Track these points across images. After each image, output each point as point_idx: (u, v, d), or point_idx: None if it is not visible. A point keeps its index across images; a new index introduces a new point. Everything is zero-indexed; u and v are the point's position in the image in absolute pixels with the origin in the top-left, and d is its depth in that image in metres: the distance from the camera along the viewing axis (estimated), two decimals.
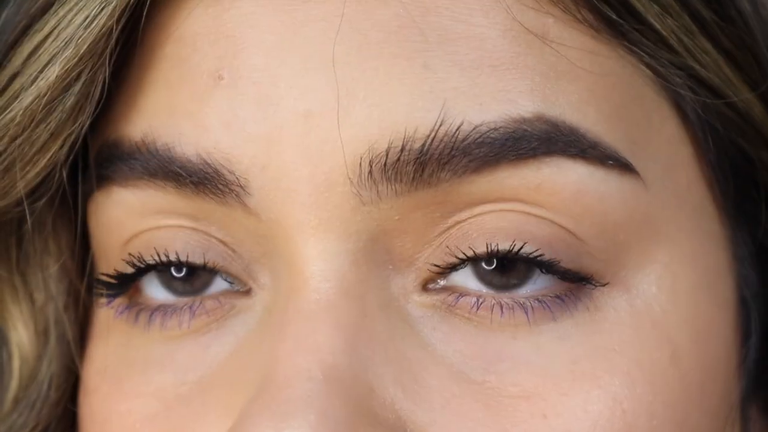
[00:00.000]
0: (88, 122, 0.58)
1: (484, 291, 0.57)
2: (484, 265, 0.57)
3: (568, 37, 0.57)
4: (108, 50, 0.57)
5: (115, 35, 0.57)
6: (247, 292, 0.59)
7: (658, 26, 0.58)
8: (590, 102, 0.57)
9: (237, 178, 0.56)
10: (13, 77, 0.59)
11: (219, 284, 0.60)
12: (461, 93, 0.56)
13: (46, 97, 0.57)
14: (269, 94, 0.56)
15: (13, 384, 0.64)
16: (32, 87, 0.58)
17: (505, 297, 0.57)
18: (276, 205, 0.56)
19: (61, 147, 0.58)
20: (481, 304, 0.57)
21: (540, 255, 0.56)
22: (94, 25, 0.57)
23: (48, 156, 0.59)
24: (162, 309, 0.60)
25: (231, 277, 0.60)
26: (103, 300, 0.62)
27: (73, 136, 0.58)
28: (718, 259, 0.61)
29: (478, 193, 0.56)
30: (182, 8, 0.58)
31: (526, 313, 0.57)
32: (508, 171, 0.56)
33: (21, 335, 0.65)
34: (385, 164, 0.55)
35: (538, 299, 0.57)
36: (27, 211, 0.60)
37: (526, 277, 0.57)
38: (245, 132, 0.56)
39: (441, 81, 0.56)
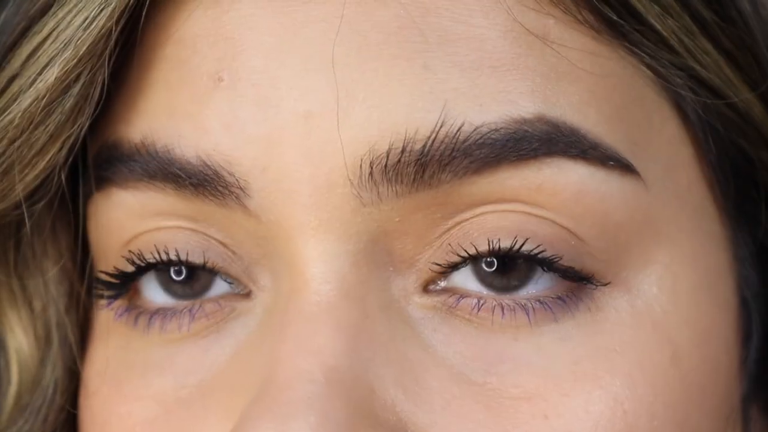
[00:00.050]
0: (87, 124, 0.58)
1: (485, 292, 0.57)
2: (484, 266, 0.57)
3: (568, 38, 0.57)
4: (107, 52, 0.57)
5: (114, 37, 0.57)
6: (247, 295, 0.59)
7: (658, 27, 0.58)
8: (591, 103, 0.57)
9: (237, 179, 0.56)
10: (12, 79, 0.59)
11: (218, 287, 0.60)
12: (461, 94, 0.55)
13: (45, 99, 0.57)
14: (269, 96, 0.56)
15: (12, 390, 0.64)
16: (31, 89, 0.57)
17: (506, 298, 0.57)
18: (276, 207, 0.56)
19: (60, 149, 0.58)
20: (482, 305, 0.57)
21: (541, 252, 0.56)
22: (93, 26, 0.57)
23: (47, 158, 0.58)
24: (161, 312, 0.60)
25: (231, 278, 0.59)
26: (103, 301, 0.62)
27: (72, 138, 0.58)
28: (718, 259, 0.61)
29: (479, 194, 0.56)
30: (182, 10, 0.58)
31: (528, 314, 0.57)
32: (509, 172, 0.56)
33: (20, 340, 0.64)
34: (385, 165, 0.55)
35: (539, 300, 0.57)
36: (26, 214, 0.60)
37: (527, 278, 0.57)
38: (245, 133, 0.56)
39: (441, 82, 0.55)
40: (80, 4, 0.57)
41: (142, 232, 0.60)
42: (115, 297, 0.62)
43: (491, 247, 0.56)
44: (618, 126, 0.58)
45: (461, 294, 0.57)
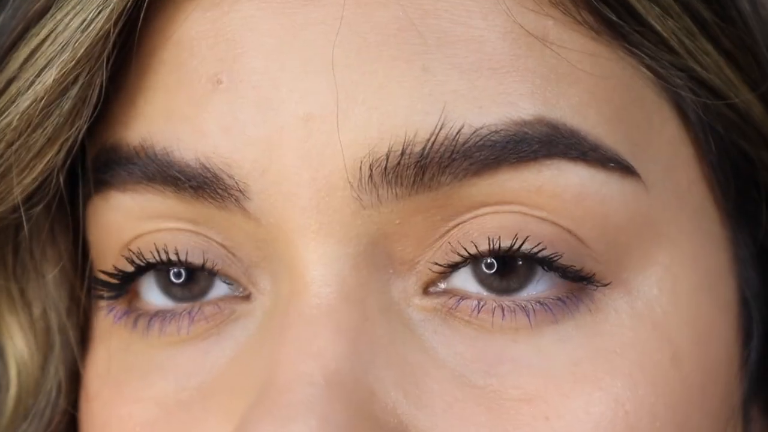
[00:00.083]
0: (85, 127, 0.58)
1: (485, 294, 0.57)
2: (484, 268, 0.57)
3: (568, 39, 0.57)
4: (105, 54, 0.57)
5: (112, 39, 0.57)
6: (247, 297, 0.59)
7: (658, 28, 0.58)
8: (591, 104, 0.57)
9: (236, 182, 0.56)
10: (10, 81, 0.58)
11: (218, 290, 0.60)
12: (461, 96, 0.55)
13: (43, 102, 0.57)
14: (269, 98, 0.56)
15: (11, 394, 0.64)
16: (29, 91, 0.57)
17: (506, 300, 0.57)
18: (276, 210, 0.56)
19: (58, 152, 0.58)
20: (482, 307, 0.57)
21: (541, 250, 0.56)
22: (91, 28, 0.57)
23: (45, 161, 0.58)
24: (160, 315, 0.60)
25: (230, 280, 0.59)
26: (103, 303, 0.62)
27: (70, 141, 0.58)
28: (719, 260, 0.61)
29: (479, 196, 0.56)
30: (180, 11, 0.58)
31: (528, 315, 0.57)
32: (508, 174, 0.56)
33: (18, 345, 0.64)
34: (385, 168, 0.55)
35: (539, 302, 0.57)
36: (24, 218, 0.60)
37: (527, 280, 0.57)
38: (245, 136, 0.56)
39: (440, 84, 0.55)
40: (78, 6, 0.57)
41: (142, 234, 0.60)
42: (114, 298, 0.61)
43: (491, 246, 0.56)
44: (618, 127, 0.57)
45: (461, 296, 0.57)
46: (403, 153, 0.55)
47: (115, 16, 0.57)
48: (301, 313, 0.56)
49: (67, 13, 0.57)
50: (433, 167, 0.55)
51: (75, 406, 0.64)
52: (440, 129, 0.55)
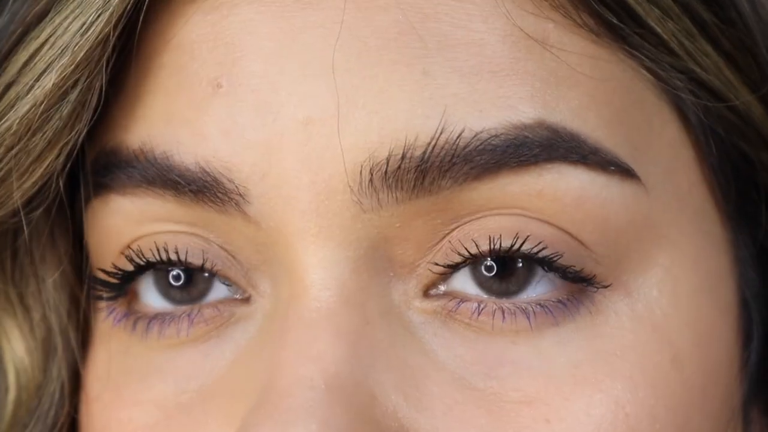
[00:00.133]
0: (85, 130, 0.58)
1: (485, 297, 0.57)
2: (484, 271, 0.57)
3: (568, 42, 0.57)
4: (105, 57, 0.57)
5: (112, 42, 0.57)
6: (246, 300, 0.59)
7: (658, 30, 0.58)
8: (591, 107, 0.57)
9: (236, 186, 0.56)
10: (9, 86, 0.58)
11: (217, 292, 0.60)
12: (461, 99, 0.55)
13: (42, 106, 0.57)
14: (269, 101, 0.56)
15: (11, 397, 0.64)
16: (28, 96, 0.57)
17: (507, 302, 0.57)
18: (276, 213, 0.56)
19: (58, 156, 0.58)
20: (482, 309, 0.57)
21: (542, 250, 0.56)
22: (90, 32, 0.57)
23: (45, 165, 0.58)
24: (160, 317, 0.60)
25: (229, 282, 0.59)
26: (103, 304, 0.62)
27: (70, 145, 0.58)
28: (719, 261, 0.61)
29: (479, 199, 0.56)
30: (180, 15, 0.58)
31: (528, 318, 0.57)
32: (509, 178, 0.56)
33: (17, 349, 0.64)
34: (385, 172, 0.55)
35: (540, 304, 0.57)
36: (24, 222, 0.60)
37: (526, 282, 0.57)
38: (244, 139, 0.56)
39: (441, 87, 0.55)
40: (77, 10, 0.57)
41: (141, 236, 0.60)
42: (113, 298, 0.61)
43: (492, 246, 0.56)
44: (618, 130, 0.57)
45: (461, 298, 0.57)
46: (403, 157, 0.55)
47: (114, 20, 0.56)
48: (301, 317, 0.56)
49: (67, 17, 0.57)
50: (434, 171, 0.55)
51: (77, 409, 0.64)
52: (441, 133, 0.55)
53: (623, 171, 0.57)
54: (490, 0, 0.56)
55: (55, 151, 0.58)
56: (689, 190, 0.60)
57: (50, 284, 0.64)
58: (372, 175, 0.55)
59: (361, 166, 0.55)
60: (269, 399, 0.54)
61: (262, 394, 0.55)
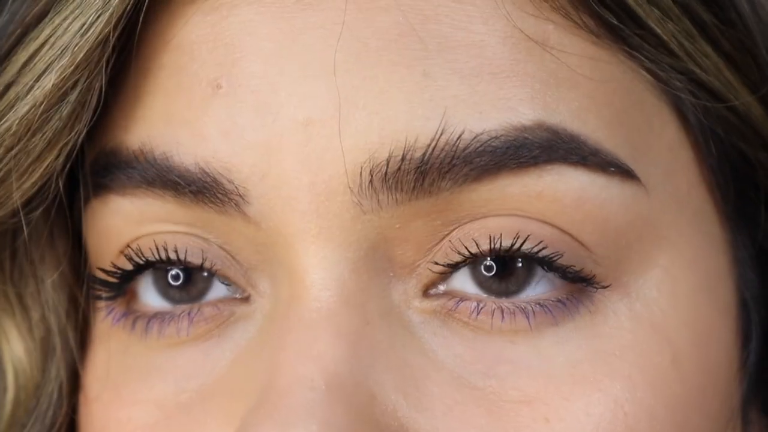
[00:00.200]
0: (84, 131, 0.58)
1: (485, 296, 0.57)
2: (483, 271, 0.57)
3: (568, 44, 0.57)
4: (105, 58, 0.57)
5: (111, 43, 0.57)
6: (246, 299, 0.59)
7: (658, 31, 0.58)
8: (591, 108, 0.57)
9: (236, 187, 0.56)
10: (8, 86, 0.58)
11: (216, 291, 0.60)
12: (461, 101, 0.55)
13: (42, 106, 0.57)
14: (268, 102, 0.56)
15: (9, 397, 0.64)
16: (28, 96, 0.57)
17: (506, 302, 0.57)
18: (276, 214, 0.56)
19: (58, 156, 0.58)
20: (481, 309, 0.57)
21: (542, 249, 0.56)
22: (90, 32, 0.56)
23: (44, 166, 0.58)
24: (159, 316, 0.60)
25: (229, 281, 0.59)
26: (102, 304, 0.62)
27: (69, 145, 0.58)
28: (718, 262, 0.61)
29: (479, 201, 0.56)
30: (179, 16, 0.58)
31: (528, 317, 0.57)
32: (509, 179, 0.56)
33: (16, 349, 0.64)
34: (385, 173, 0.55)
35: (539, 303, 0.57)
36: (23, 222, 0.60)
37: (525, 282, 0.57)
38: (244, 140, 0.56)
39: (441, 89, 0.55)
40: (77, 11, 0.57)
41: (140, 236, 0.60)
42: (113, 298, 0.61)
43: (492, 245, 0.56)
44: (618, 131, 0.57)
45: (461, 297, 0.57)
46: (403, 158, 0.55)
47: (114, 20, 0.56)
48: (301, 317, 0.56)
49: (66, 18, 0.57)
50: (434, 173, 0.55)
51: (74, 409, 0.64)
52: (441, 134, 0.55)
53: (623, 172, 0.57)
54: (490, 2, 0.56)
55: (55, 152, 0.58)
56: (688, 190, 0.60)
57: (49, 284, 0.64)
58: (372, 176, 0.55)
59: (361, 168, 0.55)
60: (269, 399, 0.54)
61: (262, 394, 0.55)
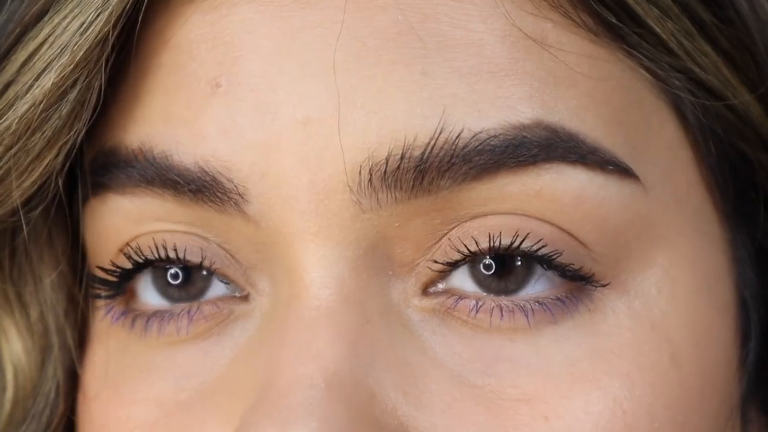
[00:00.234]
0: (84, 130, 0.58)
1: (484, 294, 0.57)
2: (482, 269, 0.57)
3: (566, 42, 0.57)
4: (104, 57, 0.57)
5: (111, 42, 0.57)
6: (245, 298, 0.59)
7: (657, 29, 0.58)
8: (589, 107, 0.57)
9: (236, 185, 0.56)
10: (8, 85, 0.58)
11: (215, 290, 0.60)
12: (460, 100, 0.55)
13: (41, 105, 0.57)
14: (268, 101, 0.56)
15: (8, 396, 0.64)
16: (27, 95, 0.57)
17: (505, 300, 0.57)
18: (275, 213, 0.56)
19: (57, 155, 0.58)
20: (480, 307, 0.57)
21: (541, 247, 0.56)
22: (90, 31, 0.57)
23: (44, 164, 0.58)
24: (158, 315, 0.60)
25: (228, 280, 0.59)
26: (101, 303, 0.62)
27: (69, 144, 0.58)
28: (717, 261, 0.61)
29: (478, 199, 0.56)
30: (179, 15, 0.58)
31: (527, 316, 0.57)
32: (507, 178, 0.56)
33: (15, 348, 0.64)
34: (384, 172, 0.55)
35: (538, 301, 0.57)
36: (23, 221, 0.60)
37: (524, 281, 0.57)
38: (244, 139, 0.56)
39: (440, 87, 0.55)
40: (77, 10, 0.57)
41: (139, 235, 0.60)
42: (112, 297, 0.61)
43: (492, 243, 0.56)
44: (617, 130, 0.57)
45: (460, 295, 0.57)
46: (402, 157, 0.55)
47: (113, 19, 0.56)
48: (300, 316, 0.56)
49: (66, 17, 0.57)
50: (433, 171, 0.55)
51: (73, 409, 0.64)
52: (440, 133, 0.55)
53: (622, 170, 0.57)
54: (489, 0, 0.56)
55: (54, 151, 0.58)
56: (687, 189, 0.60)
57: (47, 283, 0.64)
58: (371, 175, 0.55)
59: (360, 166, 0.55)
60: (269, 397, 0.54)
61: (261, 393, 0.55)
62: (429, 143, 0.55)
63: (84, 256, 0.63)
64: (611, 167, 0.57)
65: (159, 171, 0.57)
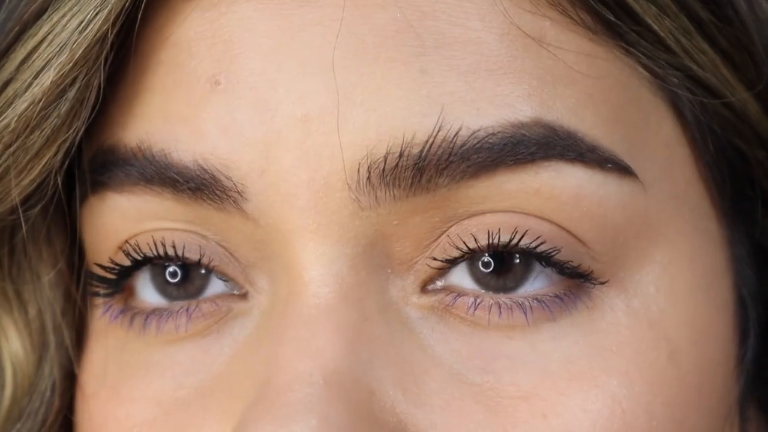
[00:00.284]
0: (83, 128, 0.58)
1: (482, 292, 0.57)
2: (481, 267, 0.57)
3: (565, 40, 0.57)
4: (103, 55, 0.57)
5: (110, 40, 0.57)
6: (244, 296, 0.59)
7: (655, 27, 0.58)
8: (587, 105, 0.57)
9: (234, 183, 0.56)
10: (7, 83, 0.58)
11: (214, 288, 0.60)
12: (458, 98, 0.55)
13: (40, 103, 0.57)
14: (267, 99, 0.56)
15: (7, 393, 0.64)
16: (27, 93, 0.57)
17: (504, 297, 0.57)
18: (274, 210, 0.56)
19: (56, 153, 0.58)
20: (478, 304, 0.57)
21: (540, 244, 0.56)
22: (89, 29, 0.57)
23: (42, 162, 0.58)
24: (157, 313, 0.60)
25: (227, 278, 0.59)
26: (99, 301, 0.62)
27: (68, 143, 0.58)
28: (716, 259, 0.61)
29: (477, 197, 0.56)
30: (178, 12, 0.58)
31: (525, 313, 0.57)
32: (506, 176, 0.56)
33: (14, 345, 0.64)
34: (383, 170, 0.55)
35: (537, 299, 0.57)
36: (22, 219, 0.60)
37: (523, 278, 0.57)
38: (243, 137, 0.56)
39: (438, 86, 0.55)
40: (76, 8, 0.57)
41: (138, 233, 0.60)
42: (110, 295, 0.61)
43: (491, 240, 0.56)
44: (615, 127, 0.58)
45: (458, 293, 0.57)
46: (401, 155, 0.55)
47: (113, 17, 0.56)
48: (299, 313, 0.56)
49: (65, 15, 0.57)
50: (431, 169, 0.55)
51: (70, 407, 0.64)
52: (438, 131, 0.55)
53: (620, 168, 0.57)
54: None
55: (53, 149, 0.58)
56: (685, 187, 0.60)
57: (45, 282, 0.64)
58: (370, 172, 0.55)
59: (359, 164, 0.55)
60: (268, 395, 0.54)
61: (260, 390, 0.55)
62: (427, 141, 0.55)
63: (82, 254, 0.63)
64: (610, 165, 0.57)
65: (158, 169, 0.57)
